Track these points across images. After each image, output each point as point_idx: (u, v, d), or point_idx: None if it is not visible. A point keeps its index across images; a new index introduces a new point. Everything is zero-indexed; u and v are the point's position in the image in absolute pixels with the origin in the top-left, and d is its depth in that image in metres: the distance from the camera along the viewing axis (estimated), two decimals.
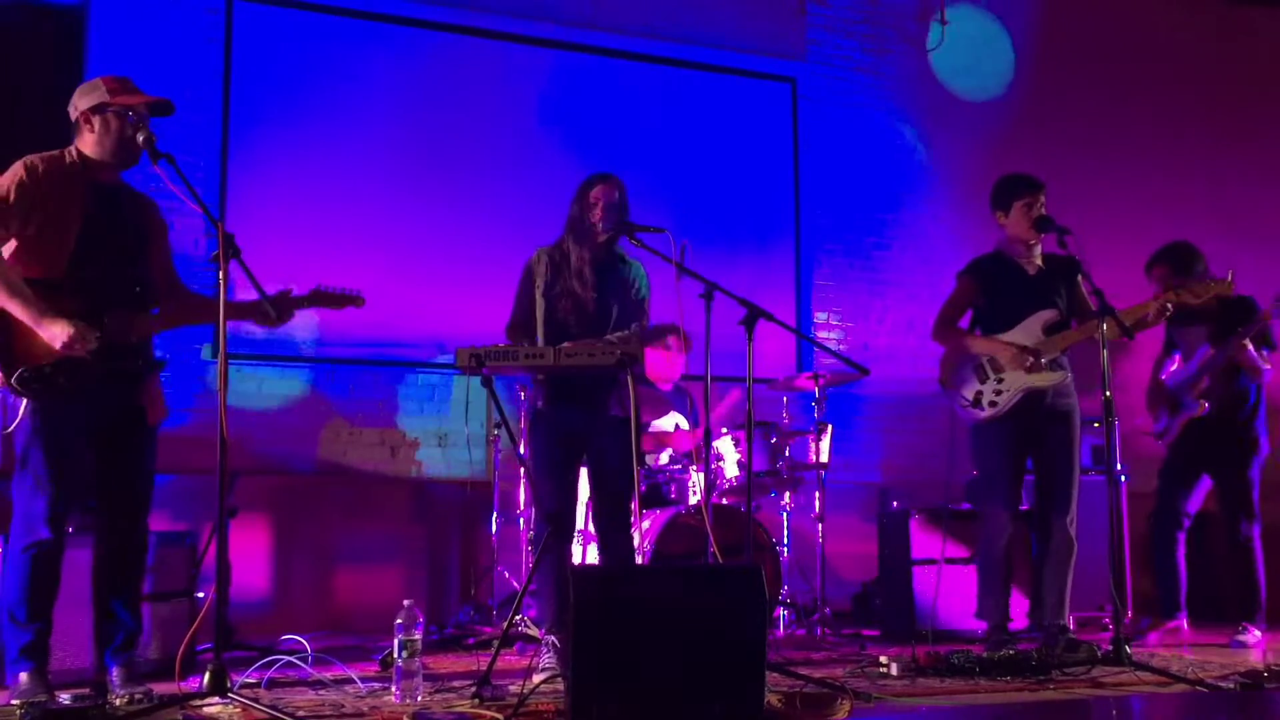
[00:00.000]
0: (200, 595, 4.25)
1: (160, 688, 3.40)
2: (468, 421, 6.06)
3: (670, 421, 5.58)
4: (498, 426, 5.71)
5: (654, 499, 5.38)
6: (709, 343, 4.00)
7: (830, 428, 5.53)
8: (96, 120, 3.46)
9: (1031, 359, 4.46)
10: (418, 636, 3.49)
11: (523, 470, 4.72)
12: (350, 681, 3.72)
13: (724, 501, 5.35)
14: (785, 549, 5.58)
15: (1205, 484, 5.32)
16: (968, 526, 5.32)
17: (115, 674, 3.46)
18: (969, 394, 4.57)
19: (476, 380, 3.72)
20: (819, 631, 5.24)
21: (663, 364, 5.60)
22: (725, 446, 5.31)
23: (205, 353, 5.75)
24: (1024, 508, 4.77)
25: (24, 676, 3.32)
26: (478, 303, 5.92)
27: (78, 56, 5.81)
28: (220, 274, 3.21)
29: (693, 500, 5.24)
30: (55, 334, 3.27)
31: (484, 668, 3.53)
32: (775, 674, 3.63)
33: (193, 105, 5.82)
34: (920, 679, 3.91)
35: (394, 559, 6.01)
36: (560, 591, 3.96)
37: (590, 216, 4.10)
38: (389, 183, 6.27)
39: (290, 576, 5.86)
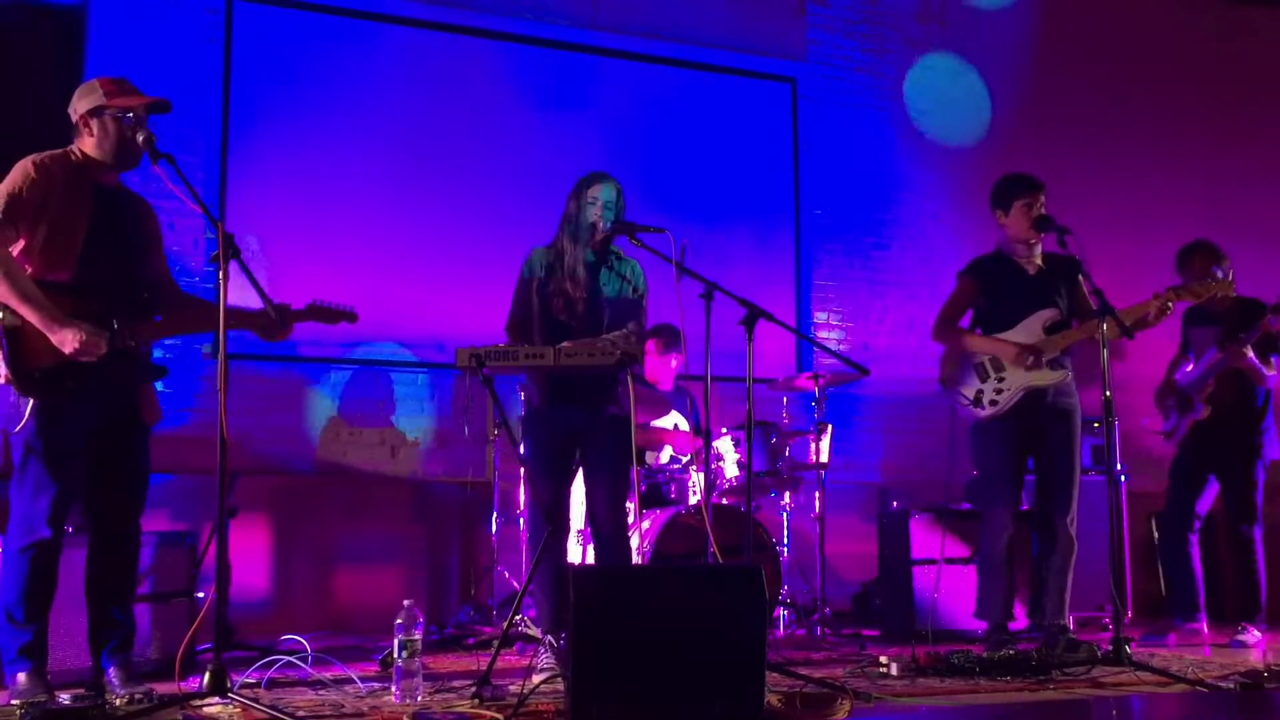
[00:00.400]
0: (200, 595, 4.25)
1: (160, 688, 3.39)
2: (468, 421, 6.06)
3: (670, 421, 5.58)
4: (498, 426, 5.71)
5: (654, 499, 5.38)
6: (709, 343, 4.00)
7: (830, 428, 5.53)
8: (95, 123, 3.46)
9: (1032, 358, 4.47)
10: (418, 636, 3.49)
11: (522, 470, 4.71)
12: (350, 681, 3.72)
13: (724, 501, 5.35)
14: (785, 549, 5.58)
15: (1214, 485, 5.33)
16: (968, 526, 5.32)
17: (113, 674, 3.46)
18: (970, 393, 4.57)
19: (476, 380, 3.72)
20: (819, 631, 5.24)
21: (658, 368, 5.60)
22: (725, 446, 5.31)
23: (205, 352, 5.75)
24: (1024, 508, 4.77)
25: (23, 676, 3.32)
26: (478, 303, 5.92)
27: (78, 56, 5.81)
28: (220, 274, 3.21)
29: (693, 500, 5.24)
30: (67, 339, 3.27)
31: (484, 668, 3.53)
32: (775, 674, 3.63)
33: (193, 105, 5.82)
34: (920, 679, 3.91)
35: (394, 559, 6.01)
36: (557, 591, 3.96)
37: (588, 215, 4.10)
38: (389, 182, 6.27)
39: (290, 576, 5.85)
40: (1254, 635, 5.05)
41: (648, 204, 6.17)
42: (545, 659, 3.90)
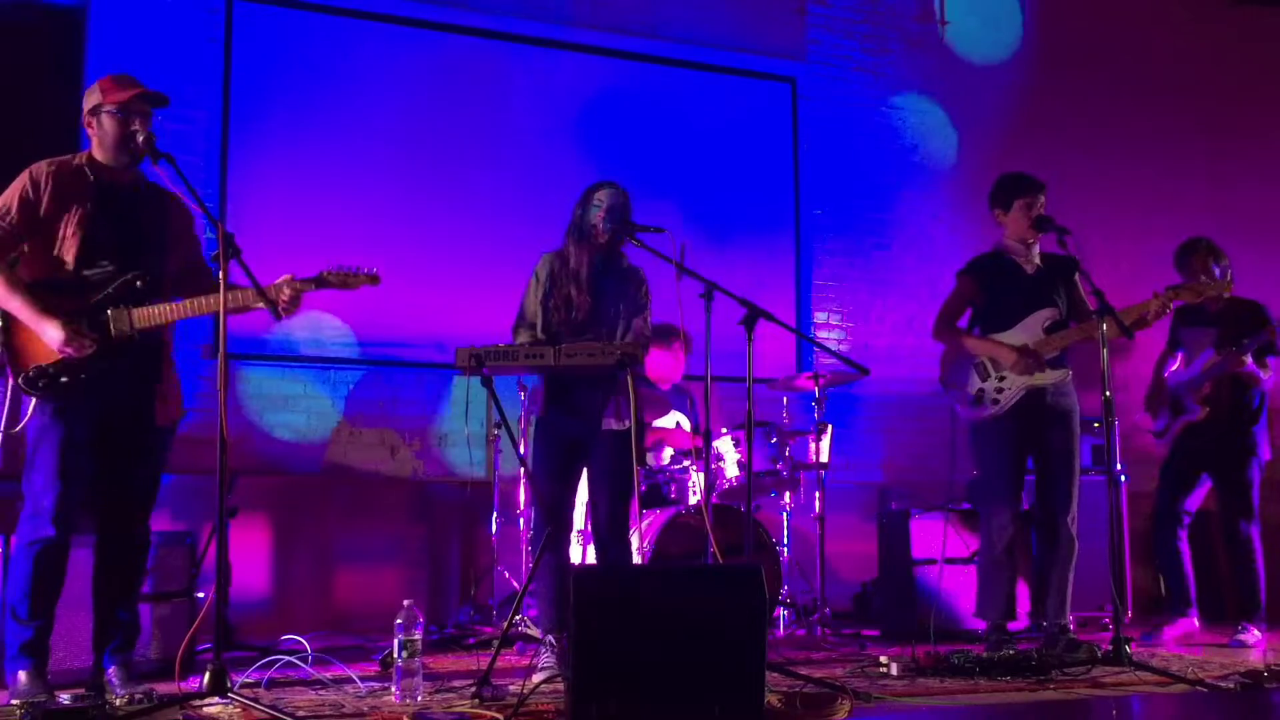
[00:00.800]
0: (200, 595, 4.25)
1: (160, 688, 3.40)
2: (468, 421, 6.06)
3: (671, 421, 5.58)
4: (498, 426, 5.71)
5: (654, 499, 5.38)
6: (709, 343, 4.00)
7: (830, 428, 5.53)
8: (95, 122, 3.51)
9: (1032, 361, 4.46)
10: (418, 636, 3.50)
11: (522, 470, 4.72)
12: (350, 681, 3.72)
13: (729, 495, 5.35)
14: (785, 549, 5.58)
15: (1205, 484, 5.33)
16: (971, 525, 5.31)
17: (113, 674, 3.47)
18: (971, 392, 4.56)
19: (476, 380, 3.72)
20: (819, 631, 5.23)
21: (664, 364, 5.60)
22: (725, 446, 5.31)
23: (205, 353, 5.74)
24: (1023, 507, 4.77)
25: (23, 675, 3.33)
26: (478, 303, 5.93)
27: (78, 56, 5.81)
28: (220, 274, 3.22)
29: (693, 500, 5.24)
30: (51, 335, 3.33)
31: (484, 668, 3.53)
32: (775, 674, 3.63)
33: (193, 105, 5.82)
34: (920, 679, 3.91)
35: (394, 559, 6.00)
36: (559, 592, 3.96)
37: (592, 217, 4.10)
38: (389, 182, 6.27)
39: (290, 576, 5.85)
40: (1254, 635, 5.05)
41: (648, 204, 6.17)
42: (546, 658, 3.91)
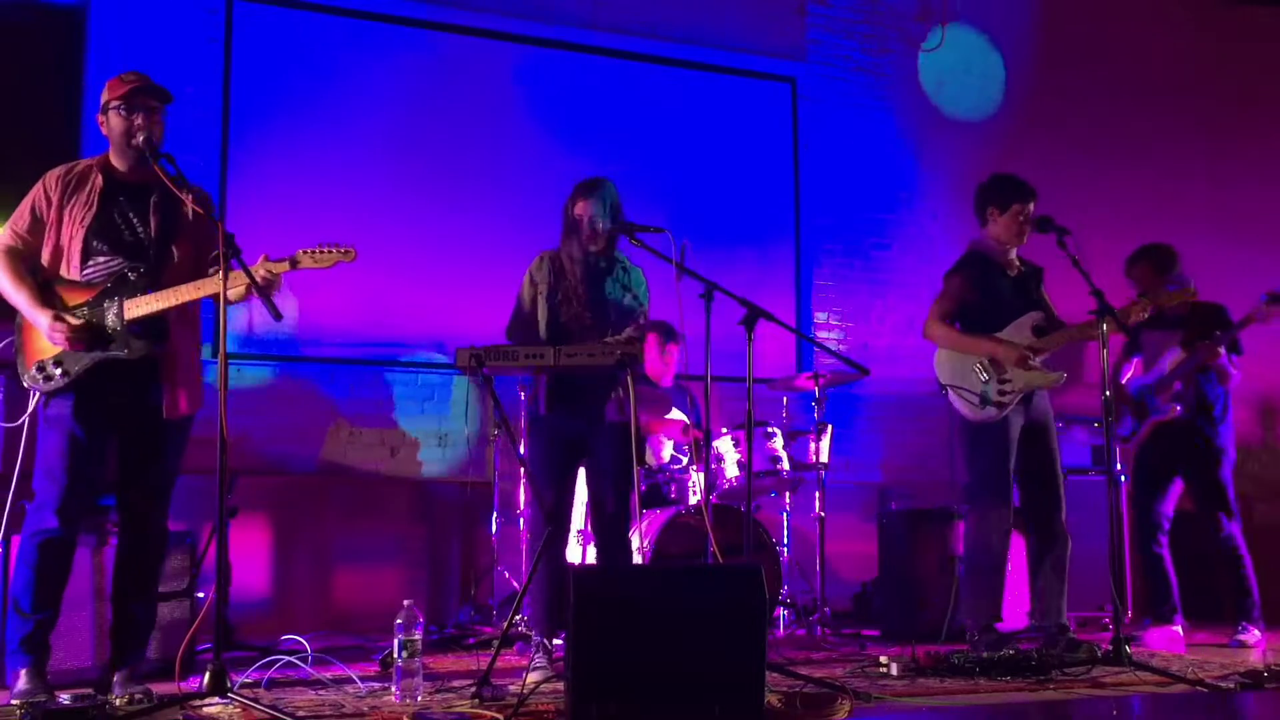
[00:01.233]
0: (200, 595, 4.25)
1: (160, 688, 3.40)
2: (468, 421, 6.06)
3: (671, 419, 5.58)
4: (498, 426, 5.71)
5: (654, 499, 5.38)
6: (709, 343, 4.00)
7: (830, 428, 5.53)
8: (104, 121, 3.55)
9: (1031, 357, 4.48)
10: (418, 636, 3.50)
11: (522, 470, 4.72)
12: (350, 681, 3.73)
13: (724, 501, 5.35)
14: (785, 549, 5.58)
15: (1178, 485, 5.32)
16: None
17: (117, 674, 3.47)
18: (974, 392, 4.56)
19: (476, 380, 3.72)
20: (819, 631, 5.24)
21: (655, 365, 5.60)
22: (725, 447, 5.31)
23: (205, 352, 5.73)
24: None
25: (23, 674, 3.33)
26: (478, 303, 5.92)
27: (78, 56, 5.81)
28: (220, 274, 3.22)
29: (693, 500, 5.24)
30: (42, 326, 3.39)
31: (484, 668, 3.53)
32: (775, 674, 3.63)
33: (193, 105, 5.81)
34: (920, 679, 3.91)
35: (394, 559, 6.00)
36: (551, 596, 3.96)
37: (581, 230, 4.10)
38: (389, 182, 6.27)
39: (290, 576, 5.85)
40: (1254, 635, 5.05)
41: (648, 204, 6.16)
42: (538, 660, 3.90)
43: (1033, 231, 4.56)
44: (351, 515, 5.97)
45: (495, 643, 3.73)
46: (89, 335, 3.39)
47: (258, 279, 3.32)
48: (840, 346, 6.99)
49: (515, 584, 5.51)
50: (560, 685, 3.47)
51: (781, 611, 5.43)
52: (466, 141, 6.45)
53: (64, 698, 3.19)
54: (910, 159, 7.49)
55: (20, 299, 3.44)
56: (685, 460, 5.44)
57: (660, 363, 5.59)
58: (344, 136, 6.21)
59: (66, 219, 3.47)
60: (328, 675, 3.80)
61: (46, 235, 3.49)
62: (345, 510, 5.97)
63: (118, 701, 3.29)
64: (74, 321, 3.38)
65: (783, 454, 5.33)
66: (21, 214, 3.52)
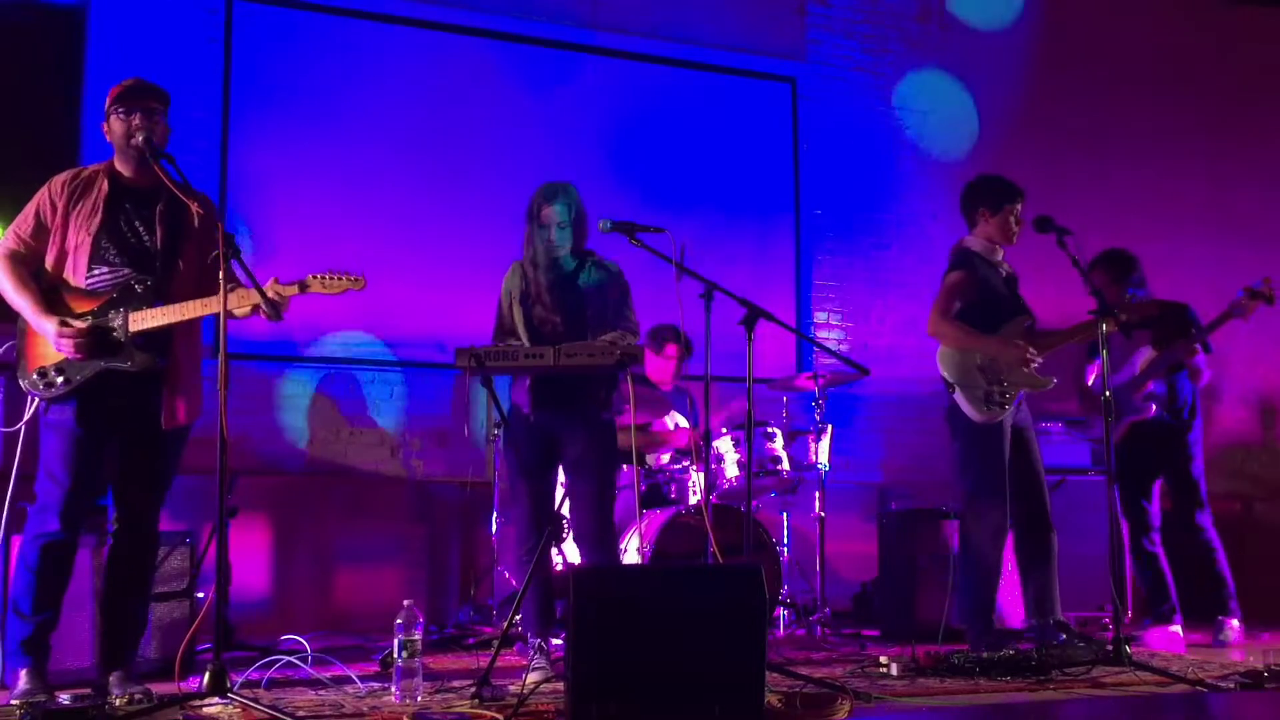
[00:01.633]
0: (200, 595, 4.25)
1: (160, 688, 3.40)
2: (468, 421, 6.05)
3: (670, 421, 5.58)
4: (498, 426, 5.71)
5: (654, 499, 5.38)
6: (709, 343, 4.00)
7: (830, 428, 5.53)
8: (107, 127, 3.55)
9: (1034, 358, 4.49)
10: (418, 636, 3.50)
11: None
12: (350, 681, 3.72)
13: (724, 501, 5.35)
14: (785, 549, 5.58)
15: (1159, 484, 5.34)
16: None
17: (113, 675, 3.47)
18: (981, 393, 4.55)
19: (476, 380, 3.72)
20: (819, 631, 5.24)
21: (656, 367, 5.60)
22: (725, 447, 5.31)
23: (205, 353, 5.73)
24: None
25: (23, 675, 3.33)
26: (478, 303, 5.89)
27: (78, 56, 5.81)
28: (220, 274, 3.22)
29: (693, 500, 5.24)
30: (48, 333, 3.38)
31: (484, 668, 3.53)
32: (775, 674, 3.63)
33: (193, 105, 5.81)
34: (920, 679, 3.91)
35: (394, 559, 6.00)
36: (541, 594, 3.96)
37: (542, 238, 4.07)
38: (389, 182, 6.27)
39: (290, 576, 5.85)
40: (1233, 626, 5.09)
41: (648, 204, 6.18)
42: (538, 660, 3.90)
43: (1033, 232, 4.56)
44: (351, 515, 5.97)
45: (495, 643, 3.73)
46: (94, 344, 3.39)
47: (269, 296, 3.38)
48: (840, 346, 7.00)
49: (515, 584, 5.51)
50: (560, 685, 3.47)
51: (781, 611, 5.43)
52: (466, 141, 6.45)
53: (64, 698, 3.19)
54: (910, 159, 7.48)
55: (24, 304, 3.43)
56: (685, 461, 5.44)
57: (662, 365, 5.59)
58: (344, 136, 6.21)
59: (72, 225, 3.47)
60: (328, 675, 3.80)
61: (50, 240, 3.49)
62: (345, 510, 5.97)
63: (118, 701, 3.29)
64: (80, 325, 3.37)
65: (783, 454, 5.33)
66: (25, 218, 3.51)
